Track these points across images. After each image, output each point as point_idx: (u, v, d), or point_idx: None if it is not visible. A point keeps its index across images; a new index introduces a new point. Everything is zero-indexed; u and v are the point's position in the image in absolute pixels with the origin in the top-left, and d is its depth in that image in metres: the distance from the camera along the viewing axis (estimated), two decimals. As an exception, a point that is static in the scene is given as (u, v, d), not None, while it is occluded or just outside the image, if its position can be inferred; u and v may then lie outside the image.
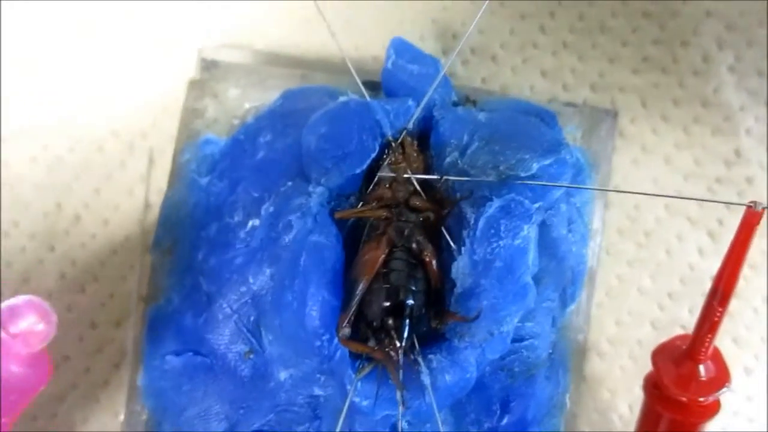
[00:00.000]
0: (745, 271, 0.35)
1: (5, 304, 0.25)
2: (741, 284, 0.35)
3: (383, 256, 0.25)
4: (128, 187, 0.36)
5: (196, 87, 0.32)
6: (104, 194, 0.36)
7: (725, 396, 0.35)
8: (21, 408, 0.26)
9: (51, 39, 0.36)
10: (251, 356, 0.28)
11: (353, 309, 0.25)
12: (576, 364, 0.33)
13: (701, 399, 0.28)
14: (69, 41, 0.36)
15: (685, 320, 0.35)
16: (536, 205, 0.26)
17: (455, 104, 0.30)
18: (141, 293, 0.34)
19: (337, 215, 0.26)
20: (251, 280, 0.27)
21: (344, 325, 0.25)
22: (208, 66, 0.32)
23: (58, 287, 0.35)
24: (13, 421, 0.26)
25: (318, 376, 0.26)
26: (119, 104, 0.36)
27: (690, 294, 0.35)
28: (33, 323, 0.25)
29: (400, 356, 0.25)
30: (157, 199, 0.35)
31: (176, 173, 0.31)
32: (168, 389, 0.29)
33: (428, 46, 0.36)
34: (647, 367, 0.32)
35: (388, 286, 0.25)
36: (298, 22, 0.36)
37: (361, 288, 0.25)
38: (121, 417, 0.33)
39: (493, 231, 0.25)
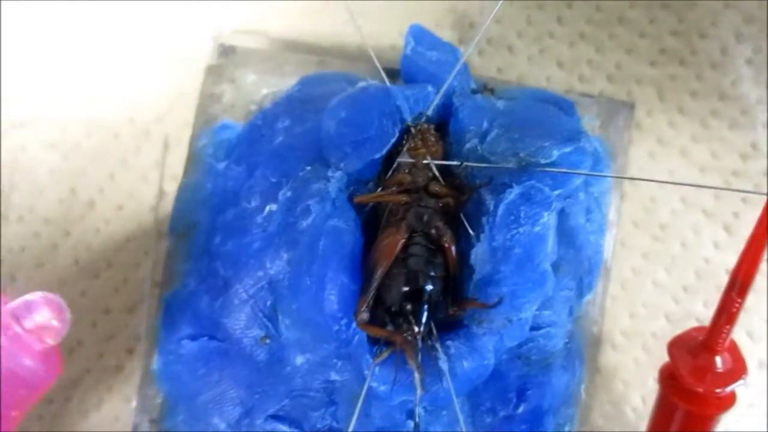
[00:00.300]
0: (761, 266, 0.35)
1: (22, 299, 0.25)
2: (756, 278, 0.35)
3: (403, 240, 0.25)
4: (143, 173, 0.36)
5: (214, 72, 0.32)
6: (119, 180, 0.36)
7: (741, 390, 0.35)
8: (30, 403, 0.26)
9: (68, 26, 0.36)
10: (267, 341, 0.28)
11: (372, 293, 0.25)
12: (590, 356, 0.33)
13: (717, 390, 0.28)
14: (86, 27, 0.36)
15: (699, 313, 0.35)
16: (556, 193, 0.26)
17: (474, 92, 0.30)
18: (155, 279, 0.34)
19: (357, 199, 0.26)
20: (268, 265, 0.27)
21: (363, 309, 0.25)
22: (226, 51, 0.32)
23: (71, 273, 0.35)
24: (22, 415, 0.26)
25: (335, 361, 0.26)
26: (135, 91, 0.36)
27: (705, 287, 0.35)
28: (48, 319, 0.25)
29: (419, 341, 0.24)
30: (171, 186, 0.35)
31: (193, 158, 0.31)
32: (183, 374, 0.29)
33: (445, 35, 0.35)
34: (661, 359, 0.32)
35: (406, 271, 0.25)
36: (314, 10, 0.36)
37: (380, 272, 0.25)
38: (134, 403, 0.33)
39: (512, 218, 0.25)
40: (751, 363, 0.35)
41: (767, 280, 0.35)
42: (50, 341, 0.25)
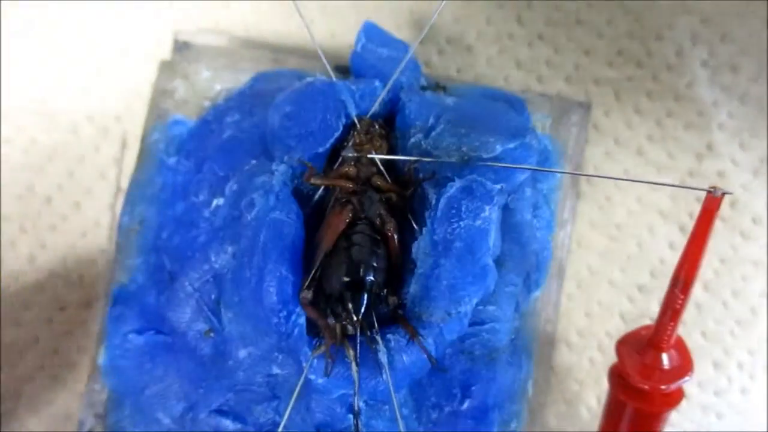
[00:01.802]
0: (715, 265, 0.35)
1: None
2: (711, 278, 0.35)
3: (347, 219, 0.25)
4: (101, 170, 0.36)
5: (168, 68, 0.32)
6: (77, 177, 0.36)
7: (694, 391, 0.35)
8: None
9: (28, 23, 0.36)
10: (212, 335, 0.27)
11: (314, 271, 0.25)
12: (545, 355, 0.33)
13: (663, 387, 0.28)
14: (47, 25, 0.36)
15: (654, 313, 0.34)
16: (498, 187, 0.26)
17: (424, 89, 0.30)
18: (110, 276, 0.34)
19: (306, 178, 0.26)
20: (213, 259, 0.27)
21: (305, 287, 0.25)
22: (181, 47, 0.32)
23: (28, 269, 0.35)
24: None
25: (276, 354, 0.26)
26: (94, 88, 0.36)
27: (660, 287, 0.35)
28: None
29: (357, 331, 0.24)
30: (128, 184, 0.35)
31: (144, 153, 0.31)
32: (129, 368, 0.29)
33: (405, 35, 0.36)
34: (614, 362, 0.32)
35: (348, 261, 0.25)
36: (274, 8, 0.36)
37: (322, 250, 0.25)
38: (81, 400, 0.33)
39: (453, 211, 0.25)
40: (706, 364, 0.35)
41: (721, 281, 0.35)
42: None
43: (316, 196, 0.27)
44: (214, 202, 0.28)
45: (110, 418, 0.29)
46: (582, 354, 0.35)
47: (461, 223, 0.25)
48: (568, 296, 0.35)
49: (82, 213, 0.36)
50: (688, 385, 0.30)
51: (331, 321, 0.25)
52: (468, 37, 0.37)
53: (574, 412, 0.35)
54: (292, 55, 0.33)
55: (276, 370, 0.26)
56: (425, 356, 0.25)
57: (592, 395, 0.35)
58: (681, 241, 0.35)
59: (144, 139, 0.31)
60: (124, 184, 0.35)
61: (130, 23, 0.36)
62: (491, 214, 0.26)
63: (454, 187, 0.25)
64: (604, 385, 0.34)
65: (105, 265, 0.35)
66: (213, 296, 0.27)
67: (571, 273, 0.35)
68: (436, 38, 0.37)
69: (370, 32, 0.30)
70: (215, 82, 0.32)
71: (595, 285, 0.35)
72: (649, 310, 0.35)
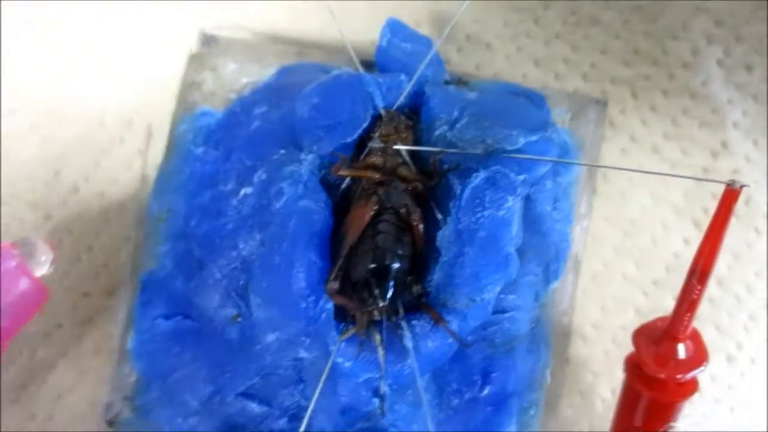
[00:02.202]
0: (729, 259, 0.36)
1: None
2: (724, 272, 0.36)
3: (372, 212, 0.26)
4: (126, 161, 0.36)
5: (196, 61, 0.33)
6: (103, 167, 0.36)
7: (707, 384, 0.36)
8: (19, 329, 0.29)
9: (56, 14, 0.37)
10: (239, 320, 0.28)
11: (341, 262, 0.25)
12: (560, 346, 0.34)
13: (678, 376, 0.29)
14: (74, 16, 0.37)
15: (668, 307, 0.35)
16: (521, 178, 0.26)
17: (447, 83, 0.31)
18: (135, 264, 0.35)
19: (333, 170, 0.27)
20: (241, 246, 0.28)
21: (332, 278, 0.25)
22: (208, 41, 0.33)
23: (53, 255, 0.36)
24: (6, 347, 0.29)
25: (303, 338, 0.27)
26: (120, 80, 0.37)
27: (674, 282, 0.35)
28: (36, 255, 0.29)
29: (383, 317, 0.25)
30: (153, 174, 0.35)
31: (173, 143, 0.32)
32: (157, 352, 0.29)
33: (424, 33, 0.36)
34: (630, 352, 0.32)
35: (374, 248, 0.25)
36: (297, 6, 0.37)
37: (348, 241, 0.25)
38: (109, 384, 0.33)
39: (478, 201, 0.26)
40: (720, 357, 0.36)
41: (734, 275, 0.35)
42: (39, 273, 0.29)
43: (343, 186, 0.28)
44: (242, 191, 0.29)
45: (138, 401, 0.30)
46: (596, 346, 0.35)
47: (485, 212, 0.26)
48: (582, 290, 0.35)
49: (107, 202, 0.36)
50: (701, 377, 0.31)
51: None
52: (487, 36, 0.37)
53: (589, 404, 0.35)
54: (316, 50, 0.34)
55: (303, 354, 0.27)
56: (449, 342, 0.26)
57: (607, 387, 0.35)
58: (695, 236, 0.36)
59: (172, 130, 0.32)
60: (149, 174, 0.36)
61: (155, 17, 0.37)
62: (514, 204, 0.26)
63: (478, 178, 0.26)
64: (618, 377, 0.35)
65: (129, 253, 0.35)
66: (241, 282, 0.28)
67: (586, 267, 0.35)
68: (456, 36, 0.37)
69: (395, 28, 0.31)
70: (241, 75, 0.32)
71: (610, 279, 0.36)
72: (663, 304, 0.35)
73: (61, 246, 0.36)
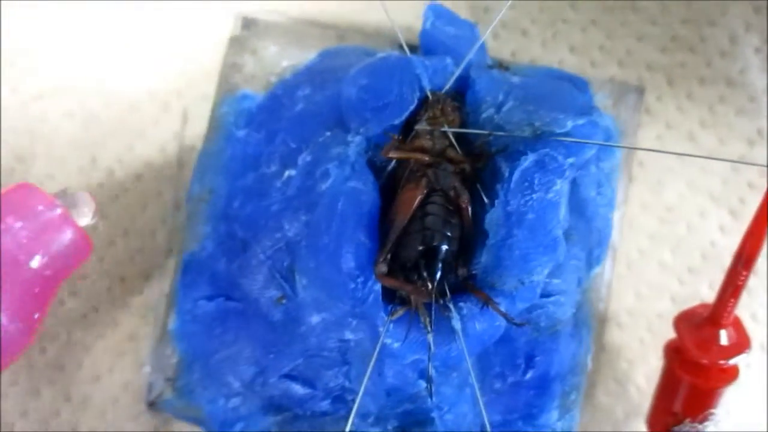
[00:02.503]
0: (764, 249, 0.36)
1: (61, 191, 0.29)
2: (760, 262, 0.36)
3: (421, 196, 0.26)
4: (161, 144, 0.36)
5: (236, 43, 0.32)
6: (138, 150, 0.36)
7: (742, 371, 0.36)
8: (67, 275, 0.29)
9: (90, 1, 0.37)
10: (283, 301, 0.28)
11: (389, 246, 0.25)
12: (596, 333, 0.34)
13: (721, 362, 0.29)
14: (108, 3, 0.37)
15: (704, 295, 0.36)
16: (569, 161, 0.26)
17: (490, 67, 0.30)
18: (171, 248, 0.35)
19: (384, 152, 0.27)
20: (287, 227, 0.28)
21: (381, 260, 0.25)
22: (248, 24, 0.33)
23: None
24: (49, 301, 0.29)
25: (350, 320, 0.27)
26: (155, 64, 0.37)
27: (710, 270, 0.36)
28: (81, 206, 0.29)
29: (432, 299, 0.25)
30: (189, 158, 0.35)
31: (214, 125, 0.32)
32: (199, 333, 0.29)
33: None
34: (665, 339, 0.32)
35: (423, 229, 0.25)
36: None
37: (398, 224, 0.25)
38: (146, 368, 0.33)
39: (527, 184, 0.26)
40: (754, 344, 0.35)
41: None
42: (82, 223, 0.29)
43: (389, 168, 0.28)
44: (286, 173, 0.29)
45: (179, 382, 0.30)
46: (632, 334, 0.36)
47: (534, 195, 0.26)
48: (618, 277, 0.35)
49: (142, 185, 0.36)
50: (737, 365, 0.31)
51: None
52: (523, 22, 0.37)
53: (623, 391, 0.35)
54: (357, 34, 0.34)
55: (349, 335, 0.27)
56: (496, 324, 0.26)
57: (641, 374, 0.35)
58: (731, 225, 0.36)
59: (213, 112, 0.32)
60: (185, 157, 0.36)
61: (189, 1, 0.37)
62: (562, 187, 0.26)
63: (528, 160, 0.26)
64: (653, 364, 0.35)
65: (166, 238, 0.35)
66: (285, 263, 0.28)
67: (622, 254, 0.35)
68: (492, 22, 0.37)
69: (437, 11, 0.31)
70: (282, 58, 0.32)
71: (645, 266, 0.36)
72: (700, 292, 0.36)
73: (96, 231, 0.36)
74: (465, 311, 0.26)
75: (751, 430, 0.35)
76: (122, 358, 0.35)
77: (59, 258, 0.28)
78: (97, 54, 0.37)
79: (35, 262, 0.27)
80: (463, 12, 0.37)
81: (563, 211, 0.27)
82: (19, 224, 0.27)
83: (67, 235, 0.28)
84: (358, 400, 0.24)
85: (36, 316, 0.28)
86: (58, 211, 0.28)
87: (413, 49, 0.31)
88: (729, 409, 0.35)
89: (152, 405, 0.31)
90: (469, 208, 0.26)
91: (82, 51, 0.37)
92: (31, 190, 0.28)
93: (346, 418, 0.24)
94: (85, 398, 0.35)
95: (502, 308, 0.26)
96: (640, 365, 0.35)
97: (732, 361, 0.29)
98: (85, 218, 0.29)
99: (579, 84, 0.31)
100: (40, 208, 0.28)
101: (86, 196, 0.29)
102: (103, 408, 0.35)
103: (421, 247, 0.25)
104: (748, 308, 0.35)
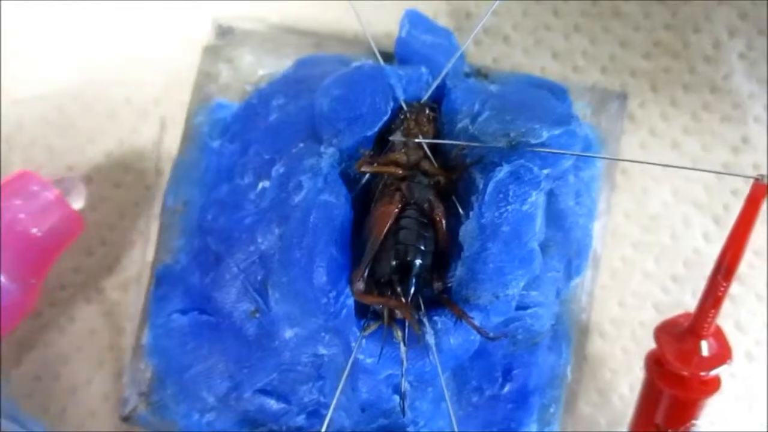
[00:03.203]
0: (749, 257, 0.35)
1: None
2: (744, 269, 0.35)
3: (396, 210, 0.25)
4: (139, 153, 0.36)
5: (211, 52, 0.32)
6: (116, 158, 0.36)
7: (726, 381, 0.35)
8: (54, 255, 0.33)
9: (68, 6, 0.36)
10: (257, 315, 0.28)
11: (367, 263, 0.25)
12: (578, 343, 0.33)
13: (702, 374, 0.29)
14: (86, 8, 0.36)
15: (688, 304, 0.35)
16: (545, 172, 0.26)
17: (467, 75, 0.30)
18: (148, 258, 0.35)
19: (357, 166, 0.26)
20: (260, 240, 0.27)
21: (357, 279, 0.25)
22: (224, 32, 0.32)
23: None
24: (45, 270, 0.32)
25: (323, 334, 0.26)
26: (133, 72, 0.36)
27: (694, 278, 0.35)
28: (76, 189, 0.33)
29: (411, 315, 0.25)
30: (167, 166, 0.35)
31: (188, 135, 0.31)
32: (173, 347, 0.29)
33: (441, 24, 0.36)
34: (649, 348, 0.32)
35: (397, 244, 0.25)
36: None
37: (373, 242, 0.25)
38: (125, 379, 0.33)
39: (501, 195, 0.25)
40: (738, 354, 0.35)
41: (755, 273, 0.35)
42: (75, 206, 0.33)
43: (363, 180, 0.28)
44: (260, 185, 0.28)
45: (153, 397, 0.30)
46: (615, 343, 0.35)
47: (509, 207, 0.26)
48: (601, 286, 0.35)
49: (120, 194, 0.36)
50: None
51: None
52: (505, 28, 0.37)
53: (607, 401, 0.35)
54: (334, 42, 0.33)
55: (322, 350, 0.27)
56: (471, 338, 0.26)
57: (625, 384, 0.35)
58: (715, 233, 0.35)
59: (188, 122, 0.31)
60: (163, 166, 0.35)
61: (168, 9, 0.36)
62: (538, 199, 0.26)
63: (502, 172, 0.26)
64: (637, 374, 0.34)
65: (143, 248, 0.35)
66: (259, 277, 0.28)
67: (605, 263, 0.35)
68: (473, 28, 0.37)
69: (414, 19, 0.30)
70: (258, 67, 0.32)
71: (629, 275, 0.35)
72: (683, 301, 0.35)
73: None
74: (440, 325, 0.26)
75: (751, 415, 0.35)
76: (101, 370, 0.35)
77: (54, 233, 0.32)
78: (74, 61, 0.37)
79: (32, 233, 0.31)
80: (443, 18, 0.36)
81: (539, 222, 0.26)
82: (18, 202, 0.31)
83: (61, 213, 0.32)
84: (329, 415, 0.23)
85: (33, 281, 0.31)
86: (54, 192, 0.32)
87: (391, 57, 0.31)
88: (713, 420, 0.35)
89: (127, 419, 0.31)
90: (444, 221, 0.26)
91: (59, 58, 0.37)
92: (30, 175, 0.32)
93: (320, 434, 0.24)
94: (63, 410, 0.34)
95: (477, 322, 0.25)
96: (623, 375, 0.35)
97: (713, 372, 0.29)
98: (77, 202, 0.33)
99: (558, 92, 0.30)
100: (36, 188, 0.32)
101: (80, 183, 0.33)
102: (81, 420, 0.34)
103: (394, 262, 0.25)
104: (731, 317, 0.35)
